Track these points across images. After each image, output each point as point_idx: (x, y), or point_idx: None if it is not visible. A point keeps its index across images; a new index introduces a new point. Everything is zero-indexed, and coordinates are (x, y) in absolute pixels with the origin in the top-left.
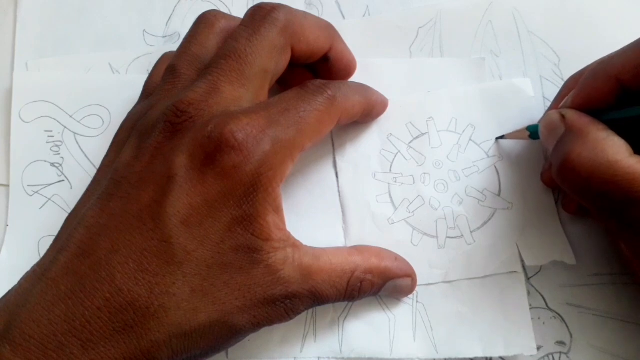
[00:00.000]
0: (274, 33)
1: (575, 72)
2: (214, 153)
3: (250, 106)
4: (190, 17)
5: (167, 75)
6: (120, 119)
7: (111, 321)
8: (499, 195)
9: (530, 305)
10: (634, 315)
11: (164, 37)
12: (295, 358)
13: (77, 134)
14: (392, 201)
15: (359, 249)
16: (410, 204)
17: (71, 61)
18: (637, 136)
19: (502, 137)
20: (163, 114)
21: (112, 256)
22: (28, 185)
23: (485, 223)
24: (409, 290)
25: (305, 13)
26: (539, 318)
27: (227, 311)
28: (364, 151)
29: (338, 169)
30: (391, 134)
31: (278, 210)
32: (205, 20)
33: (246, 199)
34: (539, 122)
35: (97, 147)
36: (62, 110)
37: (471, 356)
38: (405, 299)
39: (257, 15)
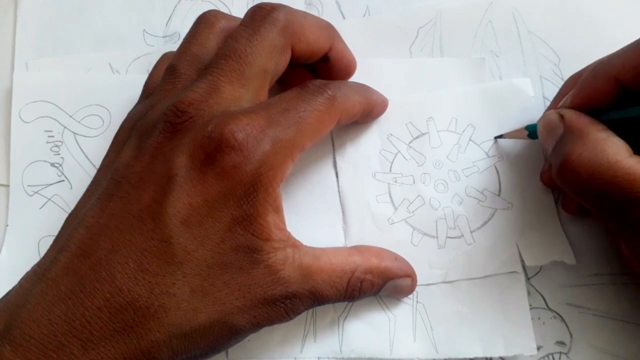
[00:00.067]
0: (274, 33)
1: (575, 72)
2: (214, 153)
3: (250, 106)
4: (190, 17)
5: (167, 75)
6: (120, 119)
7: (111, 321)
8: (498, 195)
9: (530, 305)
10: (634, 315)
11: (164, 37)
12: (295, 358)
13: (77, 134)
14: (392, 201)
15: (359, 249)
16: (410, 204)
17: (71, 61)
18: (637, 136)
19: (500, 137)
20: (163, 114)
21: (112, 256)
22: (28, 185)
23: (485, 223)
24: (409, 290)
25: (305, 13)
26: (539, 318)
27: (227, 311)
28: (364, 151)
29: (338, 169)
30: (391, 134)
31: (278, 210)
32: (205, 20)
33: (246, 199)
34: (538, 121)
35: (97, 147)
36: (62, 110)
37: (471, 356)
38: (405, 299)
39: (257, 15)
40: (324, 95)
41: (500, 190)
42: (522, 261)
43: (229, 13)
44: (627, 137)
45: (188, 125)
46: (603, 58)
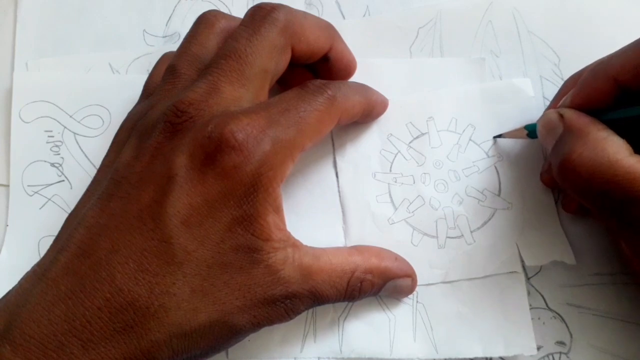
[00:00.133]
0: (274, 33)
1: (575, 73)
2: (214, 153)
3: (250, 106)
4: (190, 17)
5: (167, 75)
6: (120, 119)
7: (111, 321)
8: (498, 195)
9: (530, 305)
10: (634, 315)
11: (164, 37)
12: (295, 358)
13: (77, 134)
14: (392, 201)
15: (359, 249)
16: (410, 204)
17: (71, 61)
18: (637, 136)
19: (499, 136)
20: (163, 114)
21: (112, 256)
22: (28, 185)
23: (485, 223)
24: (409, 290)
25: (305, 13)
26: (539, 318)
27: (227, 311)
28: (364, 151)
29: (338, 169)
30: (391, 134)
31: (278, 210)
32: (205, 20)
33: (246, 199)
34: (537, 121)
35: (97, 147)
36: (62, 110)
37: (471, 356)
38: (405, 299)
39: (257, 15)
40: (324, 95)
41: (500, 190)
42: (522, 261)
43: (229, 13)
44: (627, 137)
45: (188, 125)
46: (603, 58)
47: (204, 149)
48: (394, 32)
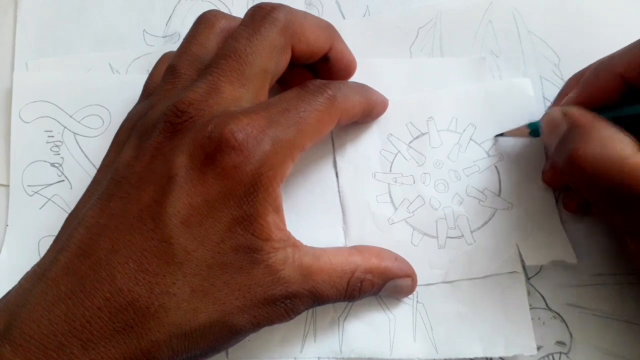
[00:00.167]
0: (274, 33)
1: (577, 72)
2: (214, 153)
3: (250, 106)
4: (190, 17)
5: (167, 75)
6: (120, 119)
7: (111, 321)
8: (499, 195)
9: (530, 305)
10: (634, 315)
11: (164, 37)
12: (295, 358)
13: (77, 134)
14: (392, 201)
15: (359, 249)
16: (411, 204)
17: (71, 61)
18: None
19: (501, 135)
20: (163, 114)
21: (112, 256)
22: (28, 185)
23: (485, 223)
24: (409, 290)
25: (305, 13)
26: (539, 318)
27: (227, 311)
28: (364, 151)
29: (338, 169)
30: (391, 134)
31: (278, 210)
32: (205, 20)
33: (246, 199)
34: (541, 119)
35: (97, 147)
36: (62, 110)
37: (471, 356)
38: (405, 299)
39: (257, 15)
40: (324, 95)
41: (500, 190)
42: (522, 261)
43: (229, 13)
44: (632, 135)
45: (188, 125)
46: (604, 57)
47: (204, 149)
48: (394, 32)
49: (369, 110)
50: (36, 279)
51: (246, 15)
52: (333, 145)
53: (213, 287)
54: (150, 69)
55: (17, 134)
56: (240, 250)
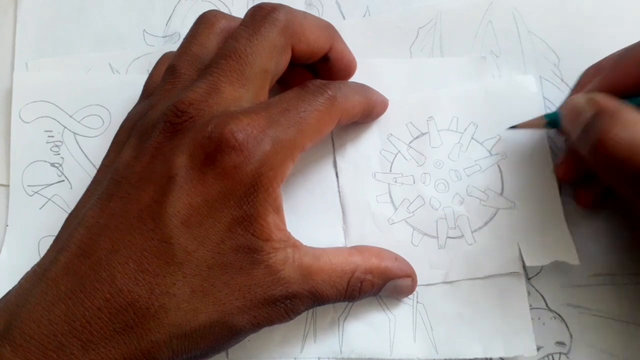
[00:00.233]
0: (274, 33)
1: (593, 64)
2: (214, 153)
3: (250, 106)
4: (190, 17)
5: (167, 75)
6: (120, 119)
7: (111, 321)
8: (501, 194)
9: (530, 305)
10: (634, 316)
11: (164, 37)
12: (295, 358)
13: (77, 134)
14: (392, 201)
15: (359, 249)
16: (411, 204)
17: (71, 61)
18: None
19: (514, 127)
20: (163, 114)
21: (112, 256)
22: (28, 185)
23: (486, 223)
24: (409, 290)
25: (305, 13)
26: (539, 318)
27: (227, 311)
28: (364, 151)
29: (338, 169)
30: (391, 134)
31: (278, 211)
32: (205, 20)
33: (246, 199)
34: (560, 108)
35: (97, 147)
36: (62, 110)
37: (471, 357)
38: (406, 300)
39: (257, 15)
40: (324, 95)
41: (502, 189)
42: (523, 261)
43: (229, 13)
44: None
45: (188, 125)
46: (630, 45)
47: (204, 149)
48: (394, 32)
49: (369, 110)
50: (36, 279)
51: (246, 15)
52: (333, 145)
53: (213, 287)
54: (150, 69)
55: (17, 134)
56: (241, 250)
